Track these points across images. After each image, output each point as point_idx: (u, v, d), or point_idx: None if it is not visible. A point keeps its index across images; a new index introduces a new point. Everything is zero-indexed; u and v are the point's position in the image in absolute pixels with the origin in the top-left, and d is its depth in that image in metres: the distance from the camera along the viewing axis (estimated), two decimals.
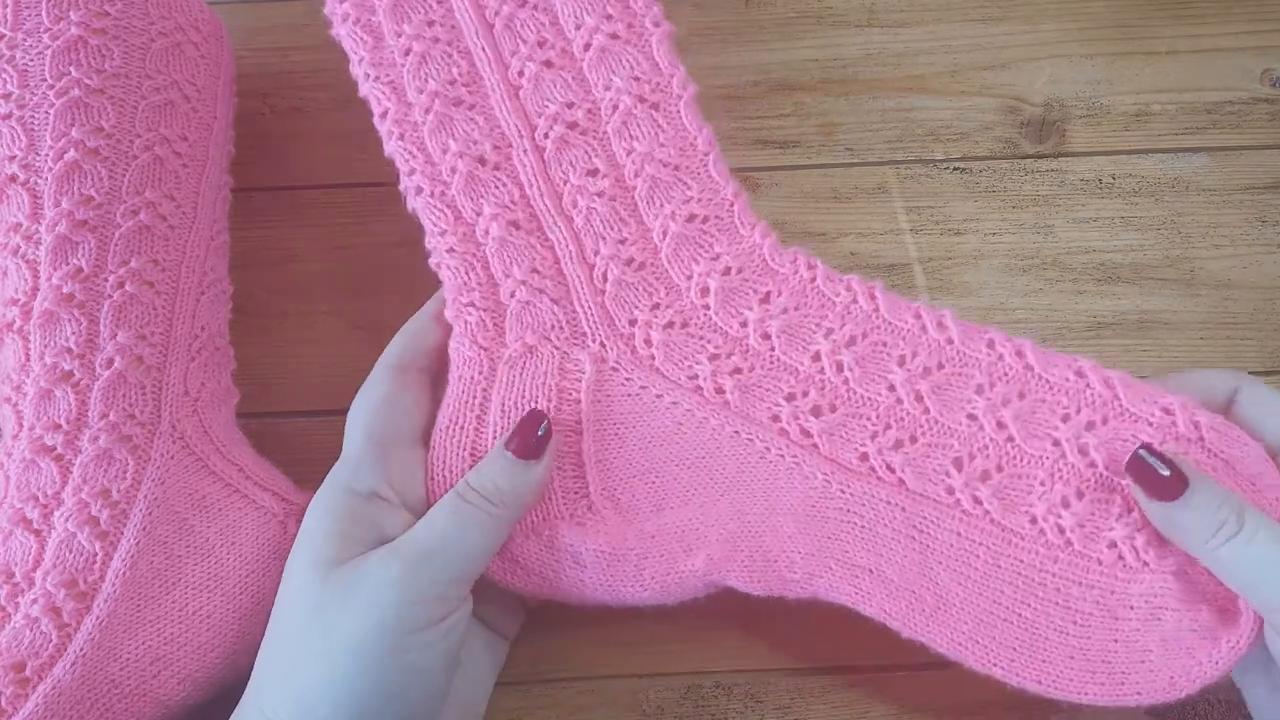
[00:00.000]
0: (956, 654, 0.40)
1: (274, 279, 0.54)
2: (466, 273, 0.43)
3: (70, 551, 0.43)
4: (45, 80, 0.44)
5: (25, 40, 0.44)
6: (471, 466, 0.42)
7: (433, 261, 0.44)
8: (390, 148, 0.43)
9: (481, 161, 0.42)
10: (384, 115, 0.43)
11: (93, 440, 0.44)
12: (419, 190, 0.43)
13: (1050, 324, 0.52)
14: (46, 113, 0.44)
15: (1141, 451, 0.38)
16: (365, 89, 0.44)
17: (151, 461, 0.45)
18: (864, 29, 0.55)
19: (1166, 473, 0.38)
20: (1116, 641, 0.39)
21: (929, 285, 0.52)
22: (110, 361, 0.44)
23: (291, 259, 0.54)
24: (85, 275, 0.44)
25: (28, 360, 0.44)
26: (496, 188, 0.43)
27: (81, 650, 0.41)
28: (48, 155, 0.44)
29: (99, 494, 0.43)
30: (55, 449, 0.43)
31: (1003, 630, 0.40)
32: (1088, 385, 0.40)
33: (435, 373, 0.45)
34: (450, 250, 0.43)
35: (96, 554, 0.43)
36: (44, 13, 0.44)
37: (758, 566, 0.42)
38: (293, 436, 0.52)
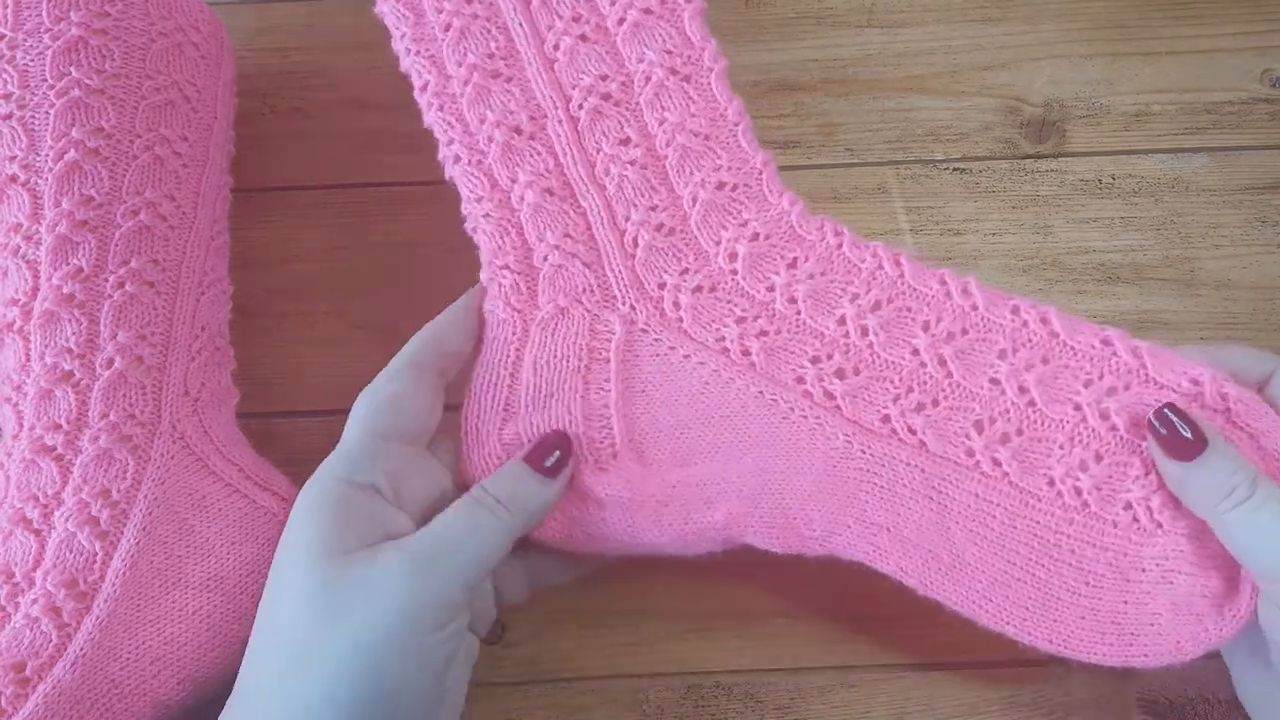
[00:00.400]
0: (970, 611, 0.41)
1: (274, 279, 0.54)
2: (501, 237, 0.44)
3: (70, 551, 0.43)
4: (46, 80, 0.44)
5: (26, 40, 0.44)
6: (505, 422, 0.44)
7: (468, 227, 0.45)
8: (430, 118, 0.44)
9: (518, 131, 0.43)
10: (424, 88, 0.44)
11: (93, 440, 0.44)
12: (456, 159, 0.44)
13: None
14: (47, 113, 0.44)
15: (1165, 409, 0.39)
16: (406, 63, 0.44)
17: (151, 461, 0.45)
18: (864, 29, 0.55)
19: (1187, 432, 0.38)
20: (1127, 603, 0.40)
21: None
22: (110, 361, 0.44)
23: (291, 259, 0.54)
24: (85, 275, 0.44)
25: (28, 360, 0.44)
26: (532, 156, 0.44)
27: (81, 650, 0.41)
28: (48, 155, 0.44)
29: (99, 494, 0.43)
30: (55, 449, 0.43)
31: (1016, 589, 0.40)
32: (1114, 353, 0.41)
33: (450, 379, 0.45)
34: (486, 216, 0.44)
35: (96, 554, 0.43)
36: (44, 13, 0.44)
37: (776, 523, 0.42)
38: (293, 436, 0.52)
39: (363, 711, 0.36)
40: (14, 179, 0.44)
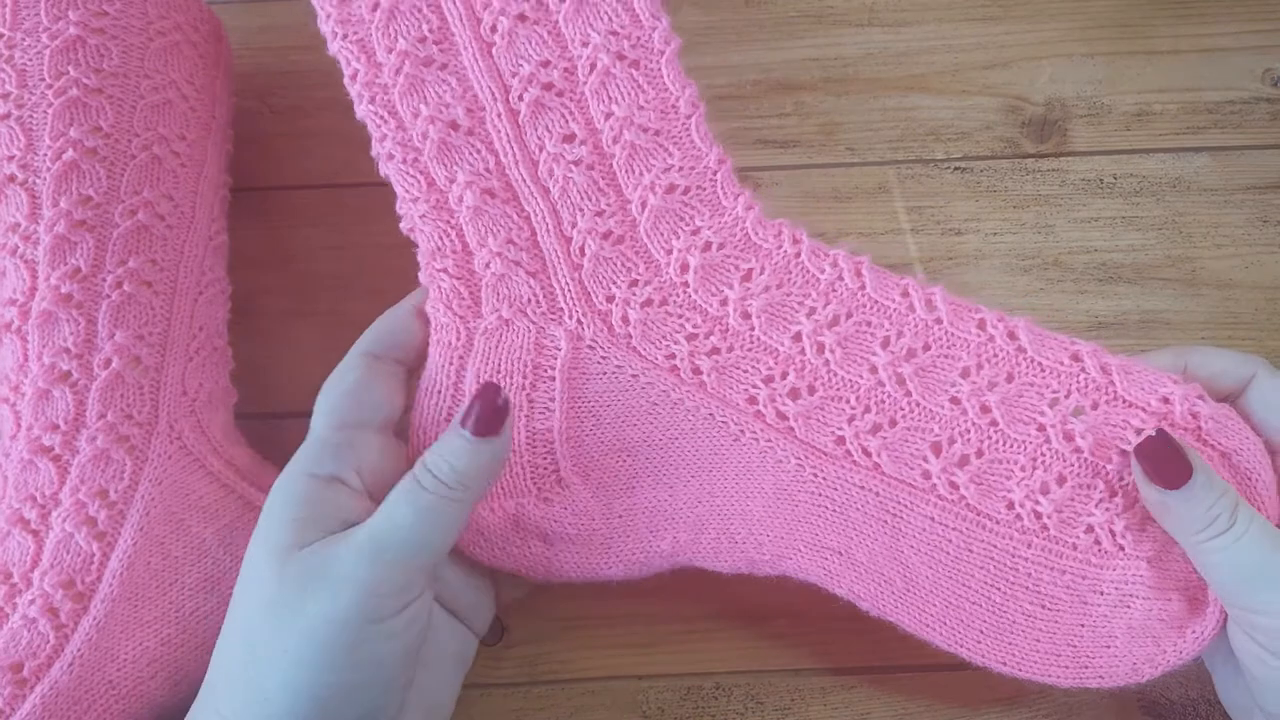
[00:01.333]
0: (924, 634, 0.40)
1: (273, 279, 0.54)
2: (440, 238, 0.42)
3: (68, 552, 0.42)
4: (44, 80, 0.44)
5: (24, 40, 0.44)
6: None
7: (404, 226, 0.42)
8: (361, 111, 0.41)
9: (454, 127, 0.41)
10: (354, 77, 0.41)
11: (90, 441, 0.44)
12: (390, 156, 0.41)
13: (1051, 324, 0.50)
14: (45, 112, 0.44)
15: (1155, 435, 0.38)
16: (334, 48, 0.41)
17: (149, 462, 0.45)
18: (864, 28, 0.55)
19: (1174, 460, 0.37)
20: (1083, 626, 0.39)
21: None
22: (108, 362, 0.44)
23: (291, 259, 0.54)
24: (83, 275, 0.44)
25: (26, 360, 0.44)
26: (470, 154, 0.41)
27: (79, 651, 0.41)
28: (46, 155, 0.44)
29: (96, 494, 0.43)
30: (53, 449, 0.43)
31: (970, 613, 0.40)
32: (1082, 369, 0.40)
33: (413, 367, 0.43)
34: (423, 216, 0.41)
35: (94, 555, 0.43)
36: (43, 12, 0.44)
37: (723, 547, 0.42)
38: (291, 437, 0.51)
39: (320, 699, 0.36)
40: (12, 179, 0.44)
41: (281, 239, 0.54)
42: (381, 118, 0.41)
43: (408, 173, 0.41)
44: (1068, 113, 0.54)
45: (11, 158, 0.44)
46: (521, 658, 0.49)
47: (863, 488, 0.40)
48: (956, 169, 0.54)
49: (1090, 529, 0.39)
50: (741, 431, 0.41)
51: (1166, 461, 0.38)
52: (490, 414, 0.39)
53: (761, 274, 0.41)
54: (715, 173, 0.42)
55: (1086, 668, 0.39)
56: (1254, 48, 0.54)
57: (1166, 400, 0.39)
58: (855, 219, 0.53)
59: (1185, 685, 0.47)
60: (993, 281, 0.52)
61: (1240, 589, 0.37)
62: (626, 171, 0.41)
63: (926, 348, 0.40)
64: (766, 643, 0.48)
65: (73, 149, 0.44)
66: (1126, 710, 0.47)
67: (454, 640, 0.43)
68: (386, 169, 0.42)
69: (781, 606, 0.48)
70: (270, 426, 0.51)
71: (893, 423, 0.40)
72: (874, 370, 0.41)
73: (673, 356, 0.42)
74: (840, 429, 0.40)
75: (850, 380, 0.41)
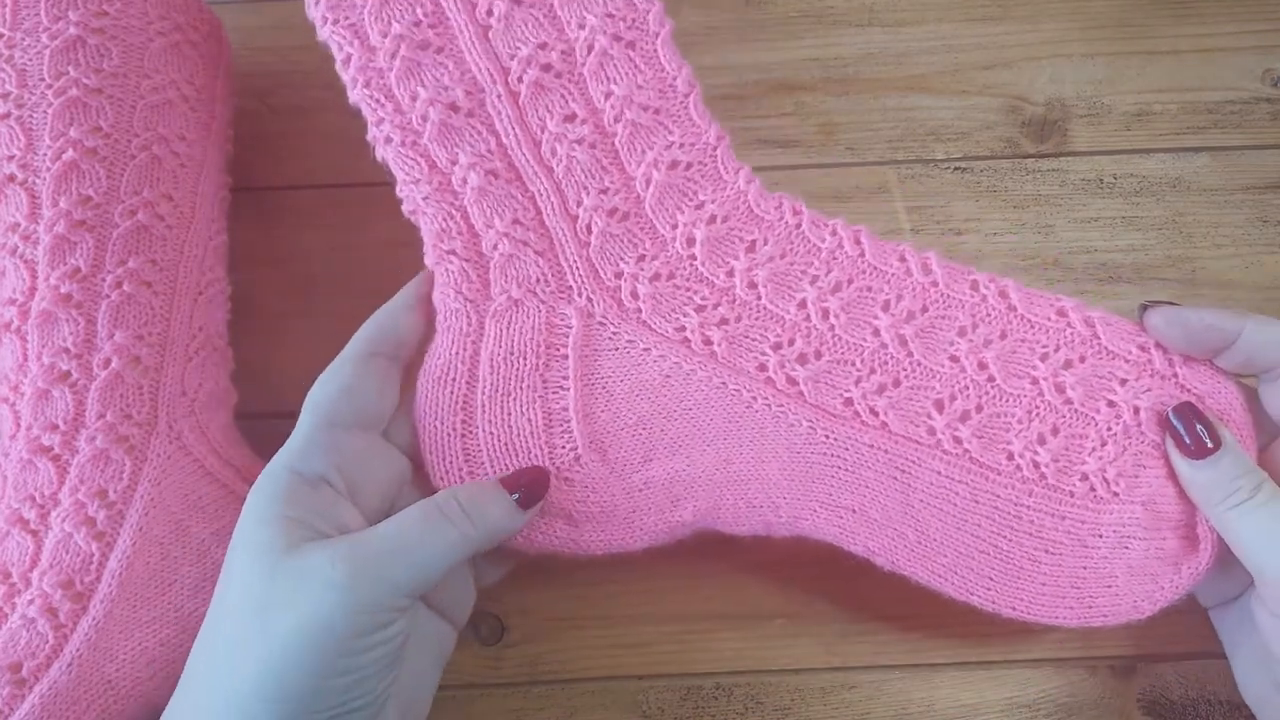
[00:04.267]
0: (937, 585, 0.41)
1: (273, 279, 0.53)
2: (445, 220, 0.42)
3: (67, 552, 0.42)
4: (44, 80, 0.44)
5: (24, 40, 0.44)
6: (464, 421, 0.42)
7: (406, 209, 0.42)
8: (355, 96, 0.41)
9: (454, 108, 0.41)
10: (346, 62, 0.40)
11: (89, 441, 0.44)
12: (388, 140, 0.41)
13: None
14: (45, 112, 0.44)
15: (1185, 406, 0.40)
16: (324, 33, 0.41)
17: (148, 462, 0.45)
18: (864, 28, 0.55)
19: (1204, 434, 0.39)
20: (1085, 568, 0.41)
21: None
22: (108, 362, 0.44)
23: (291, 259, 0.54)
24: (83, 275, 0.44)
25: (25, 360, 0.44)
26: (472, 136, 0.41)
27: (78, 651, 0.41)
28: (46, 155, 0.44)
29: (96, 494, 0.43)
30: (52, 449, 0.43)
31: (980, 562, 0.41)
32: (1068, 324, 0.41)
33: (406, 363, 0.43)
34: (426, 199, 0.42)
35: (93, 555, 0.43)
36: (43, 12, 0.44)
37: (742, 512, 0.42)
38: None
39: (291, 707, 0.35)
40: (12, 178, 0.44)
41: (281, 239, 0.54)
42: (378, 101, 0.41)
43: (407, 155, 0.41)
44: (1068, 113, 0.54)
45: (11, 158, 0.44)
46: (521, 658, 0.49)
47: (872, 446, 0.41)
48: (956, 169, 0.54)
49: (1085, 477, 0.41)
50: (754, 399, 0.42)
51: (1195, 433, 0.39)
52: (540, 496, 0.41)
53: (765, 245, 0.43)
54: (715, 148, 0.42)
55: (1090, 608, 0.41)
56: (1254, 48, 0.54)
57: (1144, 349, 0.41)
58: (855, 219, 0.52)
59: (1185, 685, 0.47)
60: None
61: (1263, 556, 0.38)
62: (629, 150, 0.42)
63: (924, 309, 0.42)
64: (766, 643, 0.48)
65: (73, 149, 0.44)
66: (1126, 710, 0.47)
67: (434, 635, 0.42)
68: (384, 152, 0.42)
69: (781, 606, 0.48)
70: (270, 426, 0.51)
71: (897, 383, 0.42)
72: (877, 333, 0.42)
73: (683, 329, 0.43)
74: (848, 391, 0.42)
75: (855, 343, 0.42)
